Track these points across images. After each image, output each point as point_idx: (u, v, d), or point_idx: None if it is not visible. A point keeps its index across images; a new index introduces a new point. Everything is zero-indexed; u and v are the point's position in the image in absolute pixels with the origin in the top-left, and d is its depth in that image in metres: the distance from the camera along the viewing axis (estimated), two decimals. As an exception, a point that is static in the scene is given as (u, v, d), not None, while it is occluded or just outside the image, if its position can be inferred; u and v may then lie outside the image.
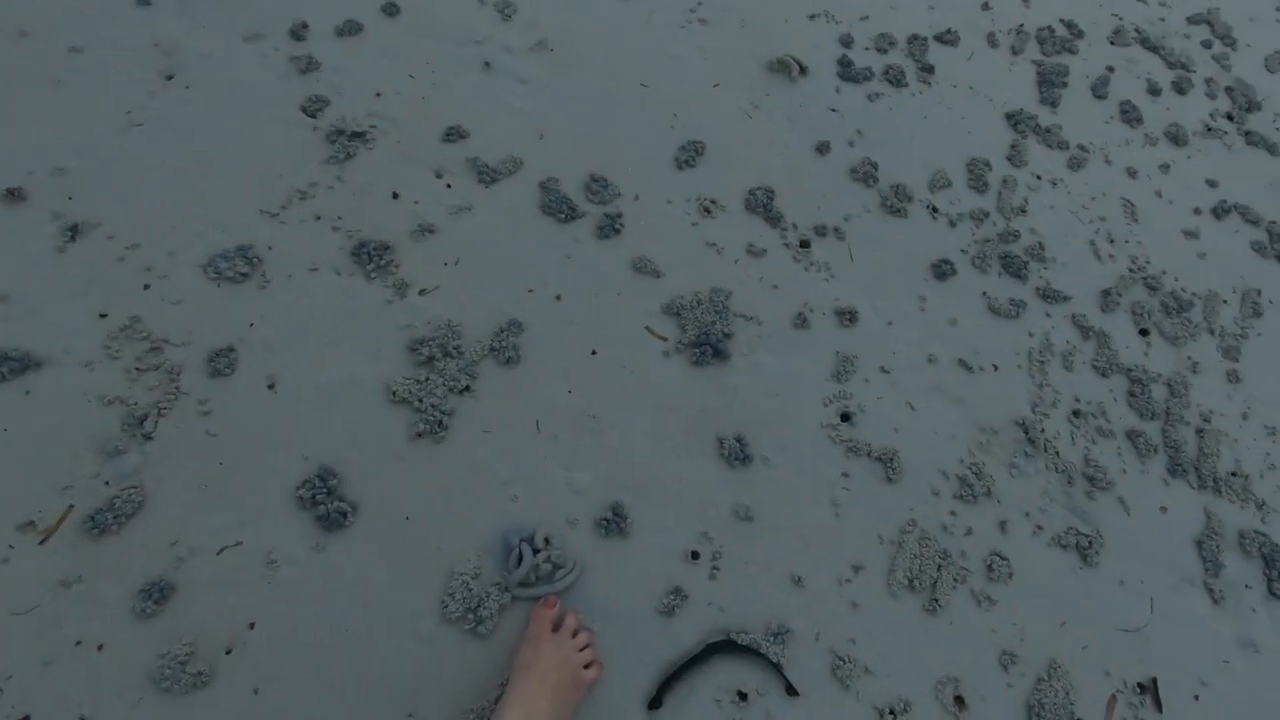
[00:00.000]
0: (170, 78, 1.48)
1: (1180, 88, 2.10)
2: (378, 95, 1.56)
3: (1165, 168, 1.93)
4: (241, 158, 1.43)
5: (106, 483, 1.11)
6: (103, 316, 1.23)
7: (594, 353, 1.38)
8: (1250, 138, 2.04)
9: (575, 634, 1.09)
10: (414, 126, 1.54)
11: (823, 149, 1.74)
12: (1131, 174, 1.89)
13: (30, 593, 1.03)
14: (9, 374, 1.15)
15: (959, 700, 1.20)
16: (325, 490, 1.16)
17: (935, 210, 1.71)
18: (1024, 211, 1.76)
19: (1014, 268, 1.66)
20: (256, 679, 1.04)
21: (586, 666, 1.07)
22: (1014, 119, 1.91)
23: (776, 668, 1.16)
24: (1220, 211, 1.88)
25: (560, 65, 1.71)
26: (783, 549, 1.27)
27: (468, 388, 1.30)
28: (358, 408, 1.25)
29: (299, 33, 1.59)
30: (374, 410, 1.25)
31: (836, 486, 1.34)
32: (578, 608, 1.15)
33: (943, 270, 1.62)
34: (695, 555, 1.24)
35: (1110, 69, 2.09)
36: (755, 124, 1.75)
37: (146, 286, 1.27)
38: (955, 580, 1.29)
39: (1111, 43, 2.15)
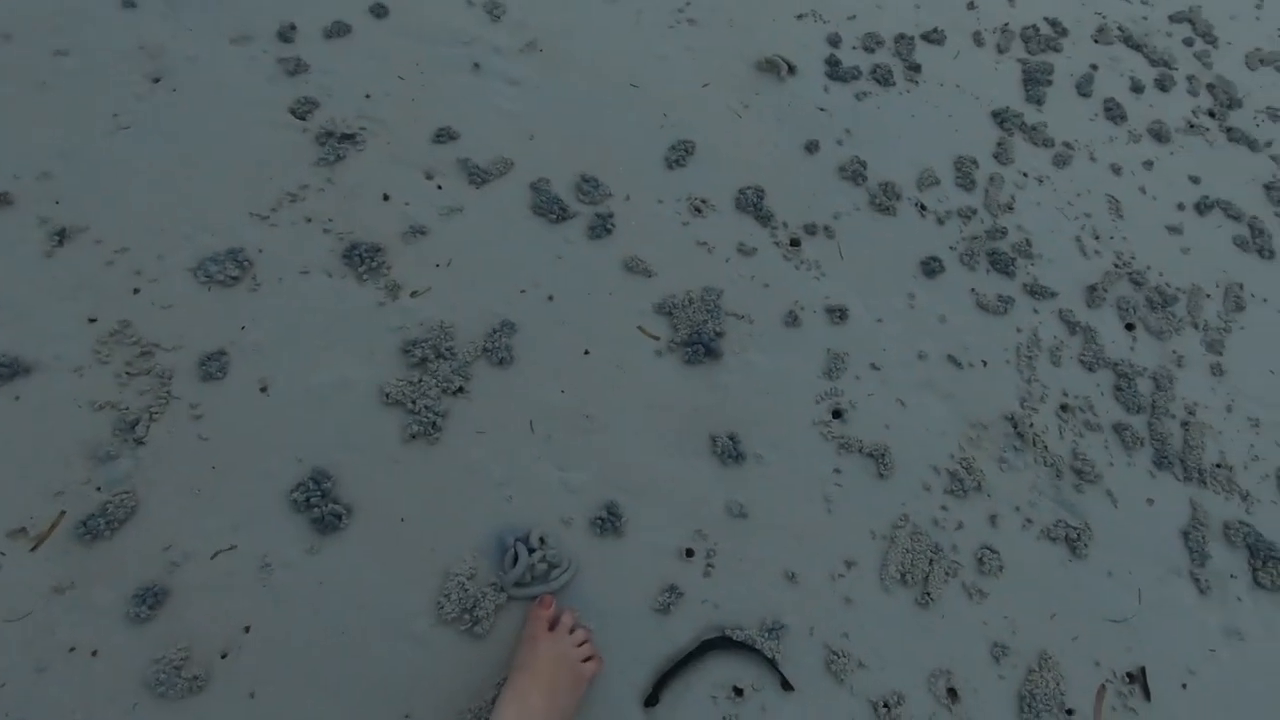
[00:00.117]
0: (157, 80, 1.47)
1: (1163, 85, 2.12)
2: (367, 97, 1.56)
3: (1149, 164, 1.95)
4: (230, 160, 1.42)
5: (98, 488, 1.11)
6: (92, 321, 1.22)
7: (587, 353, 1.39)
8: (1232, 134, 2.07)
9: (572, 631, 1.09)
10: (404, 128, 1.54)
11: (812, 148, 1.75)
12: (1116, 171, 1.92)
13: (22, 600, 1.03)
14: (-3, 380, 1.14)
15: (951, 692, 1.22)
16: (319, 493, 1.15)
17: (924, 208, 1.73)
18: (1011, 209, 1.78)
19: (1002, 264, 1.68)
20: (252, 683, 1.04)
21: (585, 661, 1.07)
22: (1000, 117, 1.93)
23: (771, 663, 1.17)
24: (1203, 207, 1.90)
25: (550, 66, 1.71)
26: (776, 545, 1.28)
27: (461, 389, 1.30)
28: (351, 410, 1.25)
29: (287, 34, 1.59)
30: (367, 412, 1.25)
31: (829, 483, 1.35)
32: (574, 606, 1.15)
33: (931, 267, 1.63)
34: (690, 553, 1.24)
35: (1094, 67, 2.11)
36: (744, 123, 1.76)
37: (136, 290, 1.27)
38: (947, 574, 1.31)
39: (1095, 41, 2.18)
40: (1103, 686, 1.26)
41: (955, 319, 1.59)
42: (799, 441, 1.38)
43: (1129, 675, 1.28)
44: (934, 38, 2.03)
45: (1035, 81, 2.02)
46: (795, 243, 1.61)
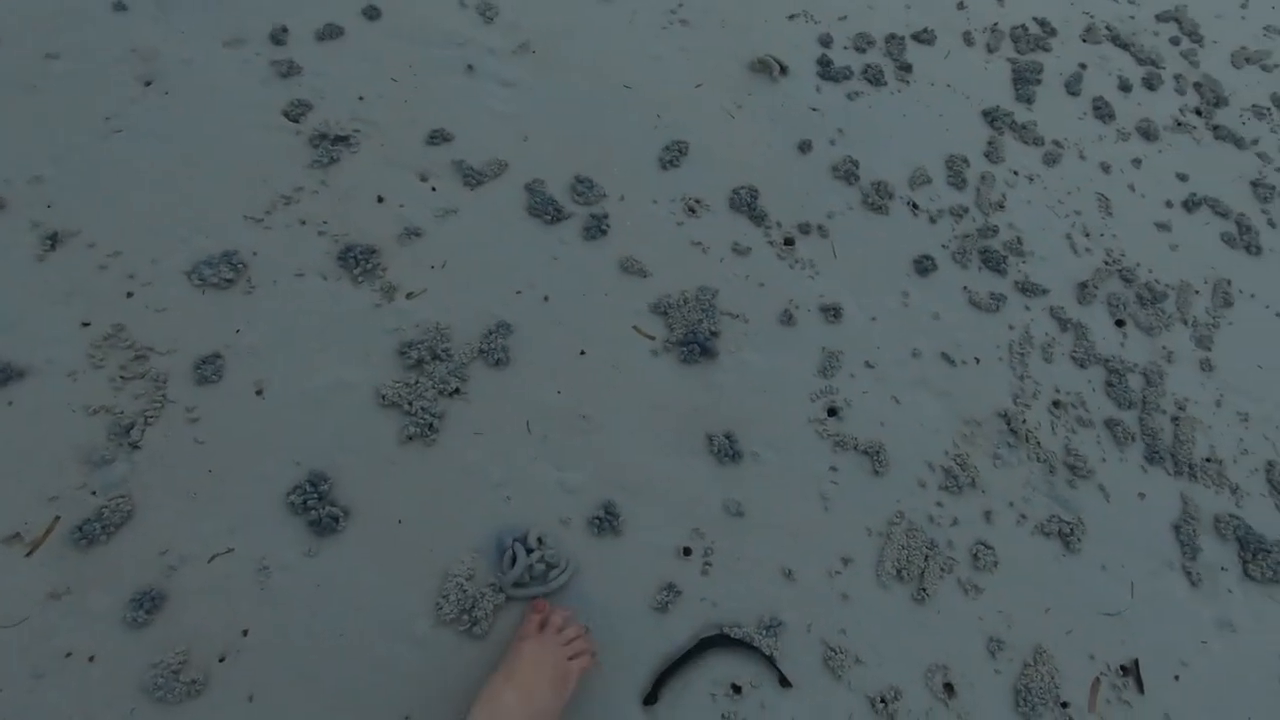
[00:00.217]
0: (149, 83, 1.47)
1: (1150, 84, 2.14)
2: (360, 99, 1.56)
3: (1137, 162, 1.97)
4: (224, 163, 1.42)
5: (93, 493, 1.10)
6: (85, 325, 1.22)
7: (583, 353, 1.39)
8: (1218, 132, 2.09)
9: (563, 629, 1.10)
10: (398, 130, 1.54)
11: (805, 147, 1.76)
12: (1105, 169, 1.94)
13: (18, 606, 1.02)
14: (-9, 385, 1.14)
15: (948, 687, 1.23)
16: (316, 495, 1.15)
17: (916, 207, 1.74)
18: (1002, 207, 1.80)
19: (993, 262, 1.69)
20: (251, 686, 1.04)
21: (574, 659, 1.07)
22: (991, 116, 1.95)
23: (769, 660, 1.18)
24: (1191, 204, 1.92)
25: (543, 67, 1.71)
26: (773, 543, 1.28)
27: (457, 390, 1.30)
28: (347, 412, 1.24)
29: (279, 37, 1.58)
30: (364, 414, 1.25)
31: (825, 480, 1.36)
32: (570, 605, 1.15)
33: (924, 266, 1.65)
34: (687, 551, 1.25)
35: (1083, 66, 2.13)
36: (738, 124, 1.76)
37: (130, 294, 1.26)
38: (942, 570, 1.32)
39: (1084, 40, 2.20)
40: (1097, 679, 1.28)
41: (948, 317, 1.60)
42: (795, 440, 1.39)
43: (1123, 668, 1.30)
44: (924, 38, 2.04)
45: (1025, 81, 2.04)
46: (789, 242, 1.62)
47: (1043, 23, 2.19)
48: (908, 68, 1.97)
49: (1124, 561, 1.40)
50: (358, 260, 1.36)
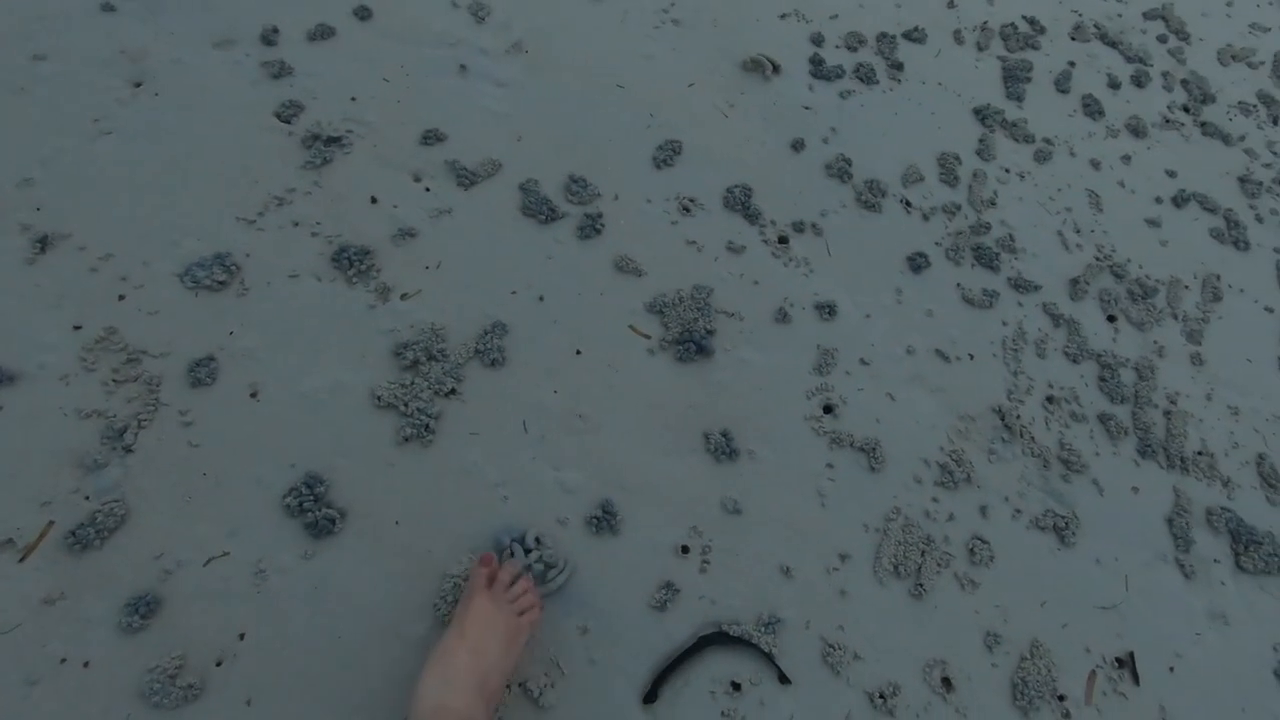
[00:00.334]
0: (139, 85, 1.46)
1: (1139, 81, 2.16)
2: (353, 100, 1.55)
3: (1127, 159, 1.99)
4: (215, 165, 1.41)
5: (87, 497, 1.09)
6: (77, 329, 1.21)
7: (579, 352, 1.39)
8: (1206, 129, 2.11)
9: (510, 585, 1.09)
10: (391, 130, 1.54)
11: (798, 146, 1.77)
12: (1095, 165, 1.95)
13: (12, 612, 1.01)
14: (-19, 390, 1.13)
15: (946, 681, 1.23)
16: (313, 497, 1.15)
17: (909, 204, 1.75)
18: (994, 204, 1.81)
19: (986, 259, 1.70)
20: (248, 690, 1.03)
21: (523, 614, 1.07)
22: (982, 114, 1.96)
23: (768, 657, 1.18)
24: (1180, 200, 1.94)
25: (536, 67, 1.71)
26: (771, 540, 1.29)
27: (454, 390, 1.30)
28: (343, 414, 1.24)
29: (270, 38, 1.57)
30: (360, 416, 1.24)
31: (821, 477, 1.37)
32: (520, 562, 1.14)
33: (918, 263, 1.65)
34: (685, 550, 1.25)
35: (1072, 64, 2.15)
36: (731, 123, 1.77)
37: (121, 297, 1.25)
38: (939, 565, 1.32)
39: (1072, 38, 2.22)
40: (1093, 672, 1.28)
41: (942, 313, 1.61)
42: (791, 437, 1.39)
43: (1118, 660, 1.31)
44: (915, 36, 2.05)
45: (1015, 79, 2.05)
46: (783, 240, 1.62)
47: (1032, 21, 2.21)
48: (899, 66, 1.98)
49: (1118, 555, 1.41)
50: (352, 261, 1.36)
